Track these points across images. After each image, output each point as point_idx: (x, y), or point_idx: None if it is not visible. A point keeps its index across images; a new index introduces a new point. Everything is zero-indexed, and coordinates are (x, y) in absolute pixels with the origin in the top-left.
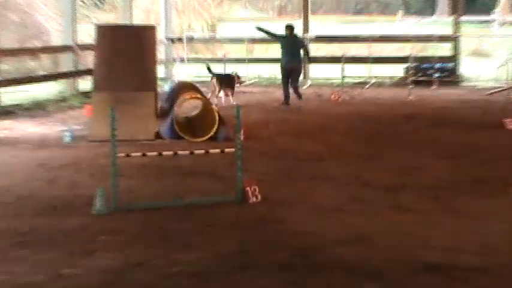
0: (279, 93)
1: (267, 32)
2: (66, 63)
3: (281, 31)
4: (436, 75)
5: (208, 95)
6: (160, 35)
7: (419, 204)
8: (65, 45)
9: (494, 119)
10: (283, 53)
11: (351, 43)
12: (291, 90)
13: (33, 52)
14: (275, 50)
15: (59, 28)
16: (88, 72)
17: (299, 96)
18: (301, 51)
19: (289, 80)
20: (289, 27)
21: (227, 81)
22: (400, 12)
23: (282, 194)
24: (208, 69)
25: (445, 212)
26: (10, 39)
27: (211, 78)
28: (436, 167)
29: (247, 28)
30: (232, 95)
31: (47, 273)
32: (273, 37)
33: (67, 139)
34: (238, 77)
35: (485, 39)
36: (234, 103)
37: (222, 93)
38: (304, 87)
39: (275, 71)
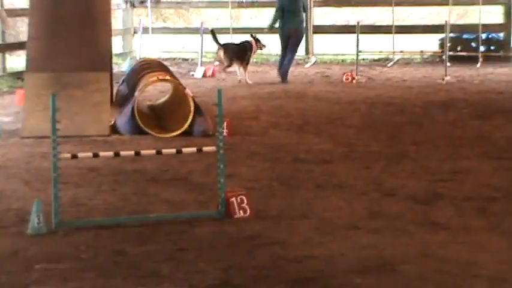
0: (273, 74)
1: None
2: None
3: None
4: (482, 48)
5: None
6: None
7: (460, 220)
8: None
9: None
10: (281, 13)
11: (368, 6)
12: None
13: None
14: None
15: None
16: (20, 46)
17: (285, 74)
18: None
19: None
20: None
21: (238, 52)
22: None
23: (278, 206)
24: (214, 37)
25: (494, 230)
26: None
27: (218, 50)
28: (482, 171)
29: None
30: (245, 69)
31: None
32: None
33: None
34: (258, 41)
35: None
36: (250, 81)
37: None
38: (308, 65)
39: (268, 44)
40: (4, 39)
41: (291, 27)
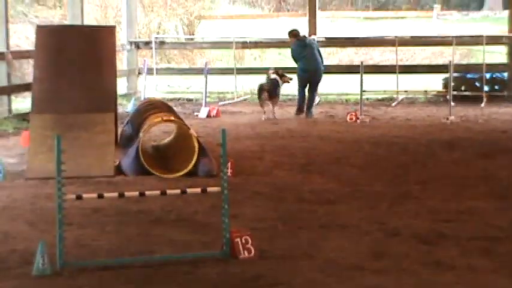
0: (276, 113)
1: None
2: None
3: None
4: (486, 88)
5: None
6: (122, 38)
7: (465, 260)
8: None
9: None
10: (302, 58)
11: (372, 47)
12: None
13: None
14: (271, 58)
15: None
16: (25, 87)
17: (310, 107)
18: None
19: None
20: (295, 32)
21: (273, 89)
22: (438, 6)
23: (282, 246)
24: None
25: (499, 271)
26: None
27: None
28: (487, 210)
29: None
30: (274, 104)
31: None
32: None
33: None
34: (283, 76)
35: None
36: (276, 116)
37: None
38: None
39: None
40: (10, 81)
41: (314, 68)
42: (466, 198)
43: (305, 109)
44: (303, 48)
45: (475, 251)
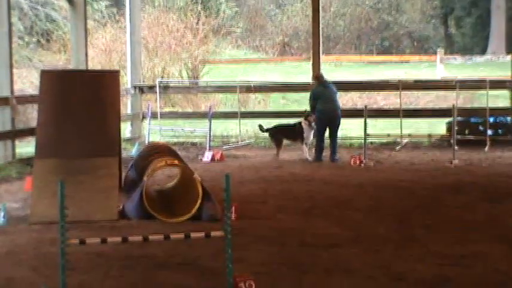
0: (280, 157)
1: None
2: None
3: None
4: (490, 132)
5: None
6: (126, 82)
7: None
8: None
9: None
10: (322, 99)
11: (375, 91)
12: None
13: None
14: (275, 102)
15: None
16: (29, 132)
17: (335, 151)
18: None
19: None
20: (320, 75)
21: (291, 133)
22: (441, 51)
23: None
24: (261, 128)
25: None
26: None
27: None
28: (492, 255)
29: (239, 72)
30: (305, 144)
31: None
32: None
33: (1, 221)
34: (308, 116)
35: None
36: (309, 158)
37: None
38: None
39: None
40: (14, 126)
41: (333, 112)
42: (471, 243)
43: (330, 155)
44: (325, 89)
45: None
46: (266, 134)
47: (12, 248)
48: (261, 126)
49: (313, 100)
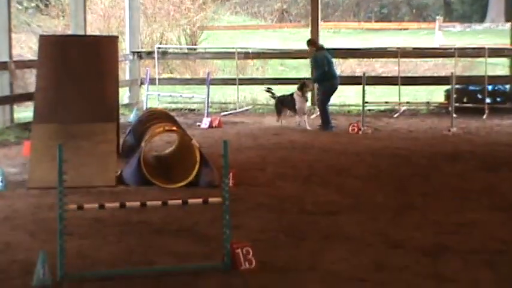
0: (279, 124)
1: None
2: None
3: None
4: (488, 100)
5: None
6: (125, 48)
7: (467, 272)
8: None
9: None
10: (329, 67)
11: (374, 58)
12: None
13: None
14: (273, 68)
15: None
16: (28, 97)
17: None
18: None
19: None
20: (314, 40)
21: (288, 103)
22: (440, 18)
23: (284, 258)
24: (270, 92)
25: (502, 284)
26: None
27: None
28: (490, 223)
29: (238, 38)
30: (302, 114)
31: None
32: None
33: None
34: (303, 87)
35: None
36: (308, 127)
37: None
38: (313, 116)
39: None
40: (12, 91)
41: (337, 84)
42: (469, 211)
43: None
44: (327, 55)
45: (477, 264)
46: (264, 101)
47: (10, 213)
48: (270, 90)
49: (321, 67)
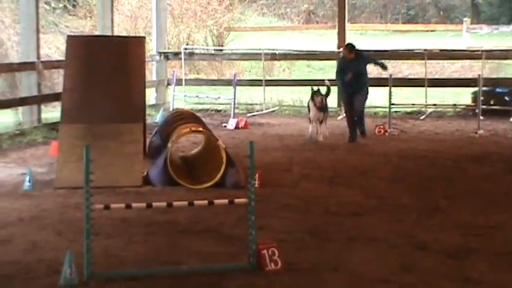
0: (304, 125)
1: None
2: (26, 85)
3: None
4: None
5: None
6: (151, 48)
7: (493, 274)
8: (24, 62)
9: None
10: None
11: (401, 60)
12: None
13: None
14: (300, 69)
15: (17, 39)
16: (55, 97)
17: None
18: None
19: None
20: (347, 48)
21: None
22: (468, 20)
23: (309, 259)
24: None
25: None
26: None
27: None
28: None
29: (264, 39)
30: (318, 123)
31: None
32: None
33: (27, 185)
34: (315, 95)
35: None
36: (321, 139)
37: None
38: (339, 117)
39: (301, 96)
40: (40, 91)
41: (352, 90)
42: (495, 213)
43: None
44: (345, 65)
45: (503, 266)
46: (290, 102)
47: (37, 212)
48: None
49: (337, 73)
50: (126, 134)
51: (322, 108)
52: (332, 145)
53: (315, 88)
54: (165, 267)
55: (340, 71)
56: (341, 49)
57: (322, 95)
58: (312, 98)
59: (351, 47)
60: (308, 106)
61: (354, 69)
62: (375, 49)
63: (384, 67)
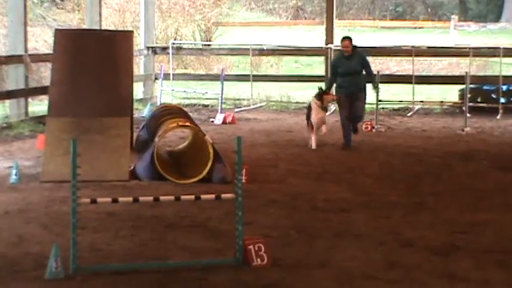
0: (292, 121)
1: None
2: (13, 78)
3: (306, 43)
4: (502, 100)
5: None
6: (139, 43)
7: (479, 272)
8: (11, 55)
9: None
10: (338, 75)
11: (388, 57)
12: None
13: None
14: (288, 65)
15: (5, 32)
16: (42, 90)
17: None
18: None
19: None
20: (349, 40)
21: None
22: (455, 17)
23: (295, 255)
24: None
25: None
26: None
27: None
28: (502, 223)
29: (252, 35)
30: (317, 129)
31: None
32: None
33: (13, 179)
34: (322, 94)
35: None
36: (314, 147)
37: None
38: (327, 113)
39: (288, 92)
40: (27, 84)
41: (351, 90)
42: (481, 210)
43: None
44: (342, 63)
45: (489, 263)
46: (278, 98)
47: (23, 206)
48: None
49: (331, 76)
50: (113, 128)
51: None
52: (319, 141)
53: (322, 87)
54: (152, 261)
55: (335, 71)
56: (329, 45)
57: (322, 97)
58: (320, 97)
59: (350, 38)
60: (308, 108)
61: (351, 67)
62: (363, 45)
63: (375, 87)
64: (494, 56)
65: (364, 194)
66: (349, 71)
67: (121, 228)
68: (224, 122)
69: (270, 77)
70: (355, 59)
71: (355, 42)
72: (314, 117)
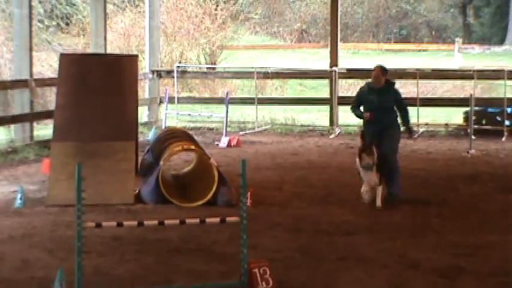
0: (296, 144)
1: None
2: (18, 103)
3: (305, 66)
4: (507, 123)
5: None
6: (144, 66)
7: None
8: (17, 79)
9: None
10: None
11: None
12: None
13: None
14: (292, 88)
15: (10, 57)
16: (48, 114)
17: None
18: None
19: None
20: (381, 69)
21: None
22: (460, 40)
23: (300, 278)
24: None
25: None
26: None
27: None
28: (507, 245)
29: (257, 58)
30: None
31: None
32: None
33: (18, 203)
34: (368, 147)
35: None
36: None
37: None
38: (332, 136)
39: (293, 115)
40: (32, 108)
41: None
42: (486, 233)
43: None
44: (370, 98)
45: (494, 286)
46: (282, 121)
47: (28, 230)
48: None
49: (353, 108)
50: (119, 151)
51: (371, 165)
52: (324, 163)
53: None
54: (157, 285)
55: (359, 105)
56: (334, 67)
57: (372, 152)
58: (360, 156)
59: (384, 68)
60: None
61: (381, 102)
62: (367, 68)
63: (410, 132)
64: (499, 78)
65: (369, 216)
66: (378, 104)
67: (126, 252)
68: (229, 145)
69: (274, 100)
70: (388, 92)
71: (359, 65)
72: (363, 178)
